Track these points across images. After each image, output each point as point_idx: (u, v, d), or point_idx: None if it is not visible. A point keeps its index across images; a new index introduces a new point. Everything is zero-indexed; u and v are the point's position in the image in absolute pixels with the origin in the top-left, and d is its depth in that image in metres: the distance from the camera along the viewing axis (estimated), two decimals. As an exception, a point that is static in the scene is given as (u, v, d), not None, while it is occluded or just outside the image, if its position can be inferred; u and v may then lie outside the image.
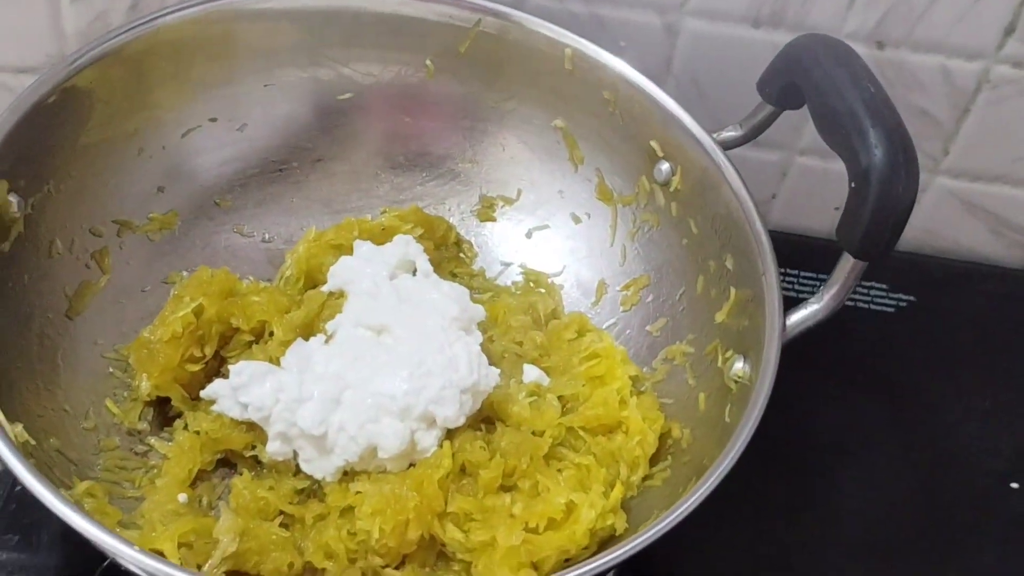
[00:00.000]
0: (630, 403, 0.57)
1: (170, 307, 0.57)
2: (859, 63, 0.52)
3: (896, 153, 0.48)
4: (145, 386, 0.56)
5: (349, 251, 0.61)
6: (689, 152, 0.59)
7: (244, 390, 0.54)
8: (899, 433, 0.69)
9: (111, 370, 0.58)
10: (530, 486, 0.53)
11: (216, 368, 0.58)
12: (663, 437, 0.57)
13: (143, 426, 0.57)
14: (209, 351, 0.57)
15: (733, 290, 0.56)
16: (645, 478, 0.55)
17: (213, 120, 0.63)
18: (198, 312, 0.57)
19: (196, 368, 0.57)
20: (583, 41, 0.61)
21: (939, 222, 0.77)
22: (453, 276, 0.64)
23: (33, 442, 0.49)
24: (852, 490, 0.65)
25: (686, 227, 0.60)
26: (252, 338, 0.58)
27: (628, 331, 0.63)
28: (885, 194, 0.48)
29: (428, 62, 0.64)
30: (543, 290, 0.65)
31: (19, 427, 0.48)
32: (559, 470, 0.54)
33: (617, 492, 0.53)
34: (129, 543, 0.42)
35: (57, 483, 0.49)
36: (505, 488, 0.54)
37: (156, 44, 0.58)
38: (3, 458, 0.44)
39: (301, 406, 0.53)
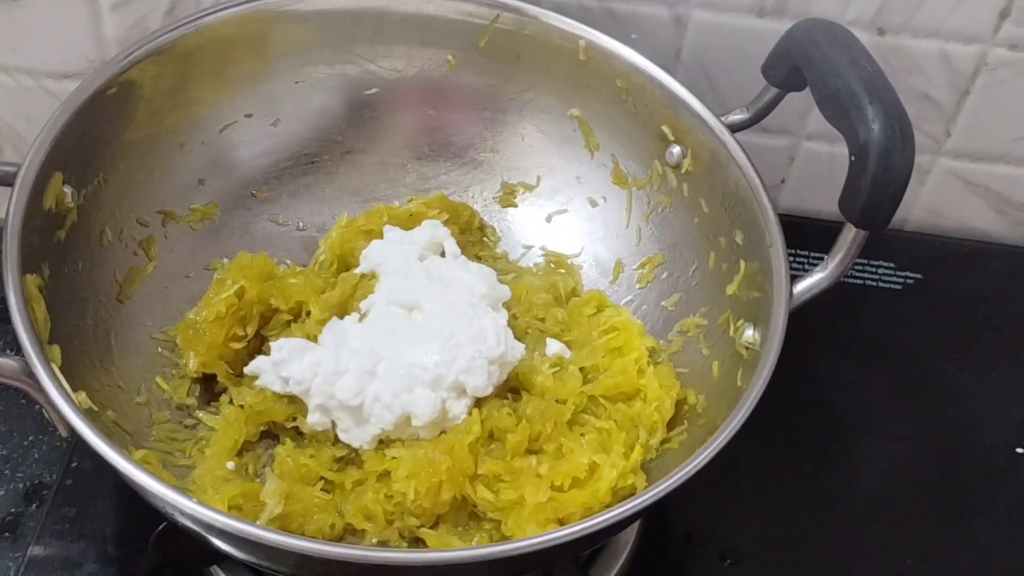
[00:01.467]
0: (647, 372, 0.60)
1: (214, 290, 0.61)
2: (856, 44, 0.54)
3: (893, 127, 0.51)
4: (192, 364, 0.59)
5: (379, 236, 0.64)
6: (698, 135, 0.61)
7: (284, 365, 0.57)
8: (909, 404, 0.71)
9: (160, 350, 0.61)
10: (555, 448, 0.56)
11: (258, 346, 0.61)
12: (679, 403, 0.59)
13: (191, 401, 0.60)
14: (251, 330, 0.61)
15: (743, 263, 0.59)
16: (663, 442, 0.58)
17: (249, 116, 0.66)
18: (240, 294, 0.60)
19: (239, 346, 0.60)
20: (596, 33, 0.64)
21: (943, 202, 0.79)
22: (478, 259, 0.67)
23: (96, 408, 0.53)
24: (864, 458, 0.68)
25: (697, 206, 0.63)
26: (291, 317, 0.62)
27: (644, 307, 0.65)
28: (883, 166, 0.50)
29: (449, 57, 0.67)
30: (563, 271, 0.68)
31: (82, 395, 0.51)
32: (582, 434, 0.58)
33: (637, 453, 0.56)
34: (188, 496, 0.45)
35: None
36: (531, 451, 0.57)
37: (197, 44, 0.62)
38: (71, 422, 0.47)
39: (339, 379, 0.56)
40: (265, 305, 0.61)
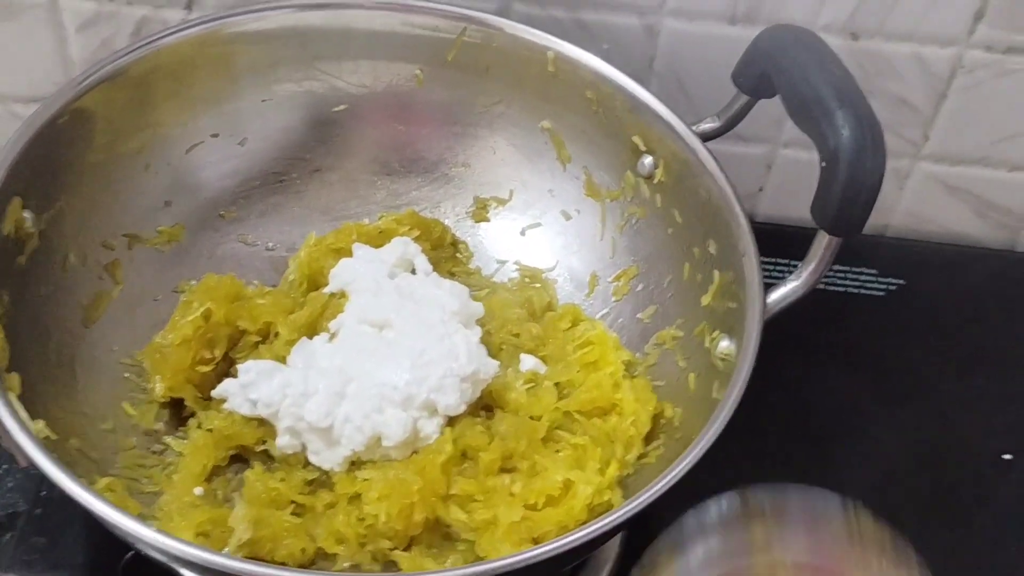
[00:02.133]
0: (623, 386, 0.59)
1: (180, 312, 0.60)
2: (825, 49, 0.54)
3: (863, 132, 0.50)
4: (159, 388, 0.58)
5: (349, 254, 0.63)
6: (670, 145, 0.61)
7: (253, 387, 0.56)
8: (893, 411, 0.70)
9: (127, 375, 0.60)
10: (528, 466, 0.55)
11: (226, 369, 0.60)
12: (656, 417, 0.58)
13: (159, 426, 0.59)
14: (219, 353, 0.60)
15: (717, 273, 0.58)
16: (640, 456, 0.57)
17: (215, 136, 0.65)
18: (207, 316, 0.59)
19: (207, 369, 0.59)
20: (564, 44, 0.63)
21: (924, 206, 0.79)
22: (451, 275, 0.66)
23: (55, 437, 0.51)
24: (850, 466, 0.67)
25: (671, 217, 0.62)
26: (259, 339, 0.61)
27: (620, 319, 0.65)
28: (854, 172, 0.50)
29: (417, 71, 0.66)
30: (538, 285, 0.67)
31: (40, 423, 0.50)
32: (557, 451, 0.57)
33: (613, 469, 0.55)
34: (150, 525, 0.44)
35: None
36: (505, 470, 0.56)
37: (158, 65, 0.61)
38: (28, 454, 0.46)
39: (307, 400, 0.55)
40: (233, 327, 0.60)
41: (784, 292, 0.54)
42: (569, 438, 0.57)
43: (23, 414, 0.48)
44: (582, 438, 0.57)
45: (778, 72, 0.55)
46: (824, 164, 0.51)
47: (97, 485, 0.53)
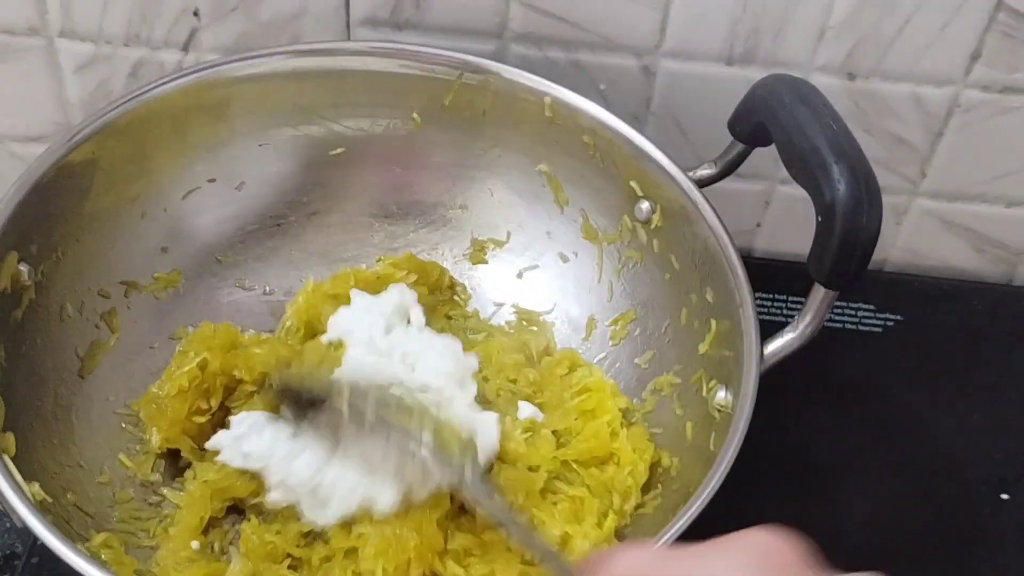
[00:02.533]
0: (621, 435, 0.59)
1: (176, 363, 0.60)
2: (821, 101, 0.54)
3: (859, 187, 0.50)
4: (155, 439, 0.58)
5: (346, 300, 0.63)
6: (667, 191, 0.61)
7: (244, 440, 0.56)
8: (892, 449, 0.70)
9: (124, 425, 0.60)
10: (526, 520, 0.55)
11: (221, 418, 0.60)
12: (654, 466, 0.58)
13: (155, 477, 0.59)
14: (215, 403, 0.60)
15: (714, 322, 0.58)
16: (638, 506, 0.57)
17: (212, 181, 0.65)
18: (202, 366, 0.59)
19: (203, 420, 0.59)
20: (561, 89, 0.63)
21: (922, 242, 0.79)
22: (448, 319, 0.67)
23: (50, 500, 0.52)
24: (848, 507, 0.67)
25: (668, 262, 0.62)
26: (255, 388, 0.60)
27: (618, 364, 0.65)
28: (850, 226, 0.50)
29: (415, 115, 0.66)
30: (535, 328, 0.67)
31: (36, 486, 0.50)
32: (554, 503, 0.57)
33: (610, 521, 0.55)
34: (142, 592, 0.44)
35: (75, 537, 0.52)
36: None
37: (154, 113, 0.61)
38: (23, 517, 0.46)
39: (296, 458, 0.55)
40: (228, 376, 0.60)
41: (781, 344, 0.54)
42: (567, 489, 0.57)
43: (18, 477, 0.48)
44: (580, 489, 0.57)
45: (774, 123, 0.55)
46: (820, 218, 0.51)
47: (94, 541, 0.53)
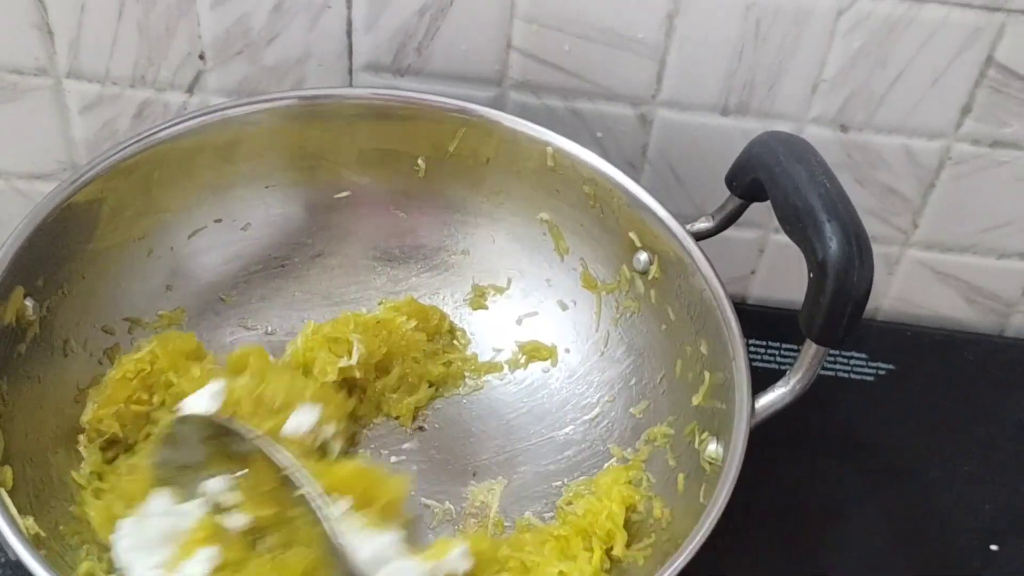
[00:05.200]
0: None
1: (130, 354, 0.61)
2: (816, 159, 0.55)
3: (850, 245, 0.51)
4: (88, 414, 0.59)
5: (347, 344, 0.64)
6: (664, 243, 0.62)
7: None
8: (882, 498, 0.71)
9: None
10: (519, 564, 0.56)
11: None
12: (645, 516, 0.59)
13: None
14: (156, 399, 0.60)
15: (707, 374, 0.59)
16: (627, 551, 0.58)
17: (218, 221, 0.67)
18: (151, 360, 0.60)
19: (139, 408, 0.60)
20: (563, 139, 0.65)
21: (914, 292, 0.80)
22: (447, 365, 0.67)
23: (44, 534, 0.52)
24: (839, 556, 0.67)
25: (664, 313, 0.63)
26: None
27: (613, 413, 0.65)
28: (841, 285, 0.51)
29: (420, 162, 0.68)
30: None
31: (30, 520, 0.51)
32: (542, 542, 0.57)
33: (597, 554, 0.56)
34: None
35: (68, 569, 0.52)
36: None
37: (161, 154, 0.62)
38: (16, 552, 0.47)
39: None
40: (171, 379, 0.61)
41: (772, 399, 0.55)
42: (552, 530, 0.58)
43: (13, 511, 0.49)
44: (564, 528, 0.58)
45: (770, 180, 0.56)
46: (812, 275, 0.52)
47: (78, 571, 0.53)
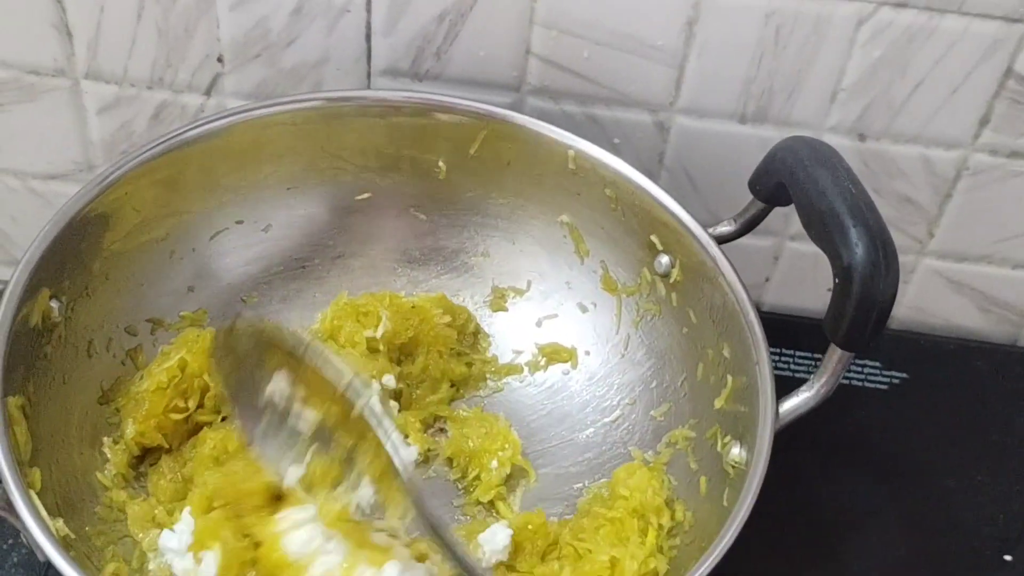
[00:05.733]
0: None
1: (157, 362, 0.61)
2: (841, 164, 0.55)
3: (876, 251, 0.51)
4: (130, 430, 0.59)
5: (376, 318, 0.64)
6: (686, 246, 0.62)
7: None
8: (897, 507, 0.71)
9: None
10: (572, 550, 0.57)
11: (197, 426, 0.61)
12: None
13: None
14: (192, 404, 0.61)
15: (730, 378, 0.59)
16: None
17: (240, 222, 0.67)
18: (182, 366, 0.61)
19: (178, 417, 0.61)
20: (584, 142, 0.65)
21: (928, 301, 0.80)
22: (469, 366, 0.68)
23: (73, 535, 0.52)
24: (854, 564, 0.68)
25: (686, 316, 0.63)
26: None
27: (633, 415, 0.66)
28: (867, 290, 0.51)
29: (440, 164, 0.68)
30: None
31: (59, 522, 0.51)
32: (597, 528, 0.58)
33: (651, 537, 0.56)
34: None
35: (95, 570, 0.53)
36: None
37: (185, 156, 0.62)
38: (47, 553, 0.47)
39: None
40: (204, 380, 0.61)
41: (796, 403, 0.55)
42: (605, 513, 0.58)
43: (43, 512, 0.48)
44: (618, 511, 0.58)
45: (794, 184, 0.56)
46: (837, 280, 0.52)
47: (104, 573, 0.53)
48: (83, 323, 0.59)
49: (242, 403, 0.54)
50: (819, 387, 0.54)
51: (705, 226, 0.62)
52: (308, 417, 0.52)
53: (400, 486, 0.50)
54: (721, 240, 0.62)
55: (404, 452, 0.51)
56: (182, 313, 0.65)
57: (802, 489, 0.70)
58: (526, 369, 0.69)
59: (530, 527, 0.58)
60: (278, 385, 0.53)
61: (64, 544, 0.50)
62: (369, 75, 0.70)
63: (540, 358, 0.69)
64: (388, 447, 0.50)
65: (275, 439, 0.53)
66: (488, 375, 0.68)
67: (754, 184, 0.61)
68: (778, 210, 0.69)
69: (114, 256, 0.61)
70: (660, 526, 0.58)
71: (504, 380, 0.68)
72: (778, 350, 0.76)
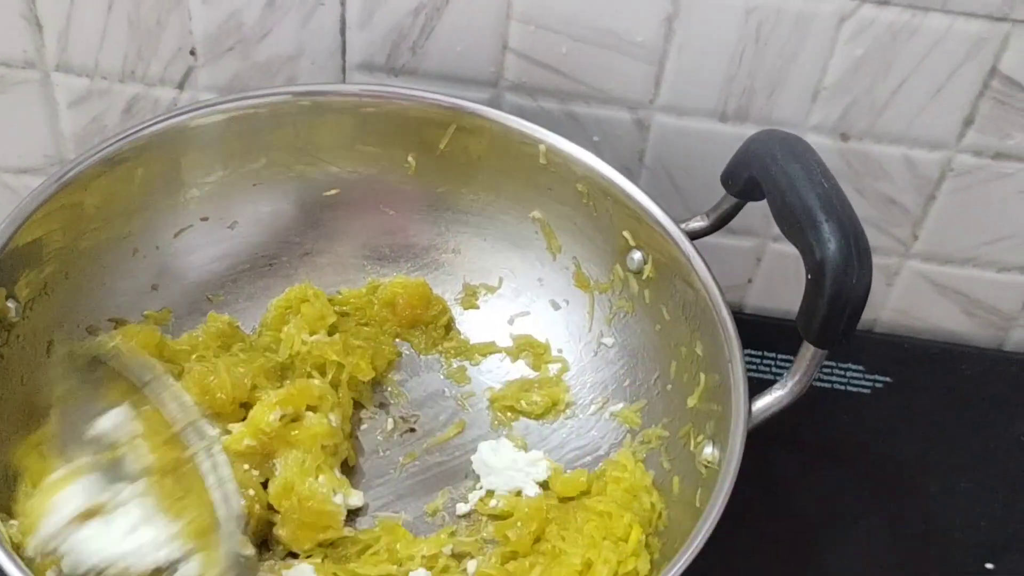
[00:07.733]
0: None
1: None
2: (814, 158, 0.54)
3: (848, 246, 0.50)
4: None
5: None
6: (659, 242, 0.61)
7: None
8: (878, 512, 0.70)
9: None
10: (551, 548, 0.56)
11: None
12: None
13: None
14: None
15: (703, 376, 0.58)
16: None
17: (205, 219, 0.65)
18: None
19: None
20: (556, 137, 0.64)
21: (912, 304, 0.79)
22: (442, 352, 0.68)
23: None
24: (835, 569, 0.66)
25: (659, 313, 0.62)
26: None
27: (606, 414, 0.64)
28: (839, 286, 0.50)
29: (410, 159, 0.67)
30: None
31: (14, 527, 0.50)
32: (587, 520, 0.57)
33: (635, 533, 0.55)
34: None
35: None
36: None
37: (147, 151, 0.61)
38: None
39: None
40: None
41: (769, 401, 0.54)
42: (595, 505, 0.57)
43: None
44: (609, 505, 0.57)
45: (767, 179, 0.55)
46: (810, 276, 0.51)
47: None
48: (42, 323, 0.58)
49: (67, 434, 0.52)
50: (792, 385, 0.53)
51: (681, 222, 0.61)
52: (138, 458, 0.51)
53: (216, 542, 0.48)
54: (694, 236, 0.61)
55: (234, 503, 0.49)
56: (146, 312, 0.64)
57: (784, 494, 0.69)
58: (505, 355, 0.68)
59: (527, 509, 0.58)
60: (114, 420, 0.51)
61: (16, 550, 0.48)
62: (344, 69, 0.69)
63: (518, 347, 0.68)
64: (216, 495, 0.48)
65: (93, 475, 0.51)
66: (464, 359, 0.67)
67: (726, 179, 0.60)
68: (759, 211, 0.68)
69: (74, 254, 0.60)
70: (652, 505, 0.57)
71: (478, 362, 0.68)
72: (760, 352, 0.75)
